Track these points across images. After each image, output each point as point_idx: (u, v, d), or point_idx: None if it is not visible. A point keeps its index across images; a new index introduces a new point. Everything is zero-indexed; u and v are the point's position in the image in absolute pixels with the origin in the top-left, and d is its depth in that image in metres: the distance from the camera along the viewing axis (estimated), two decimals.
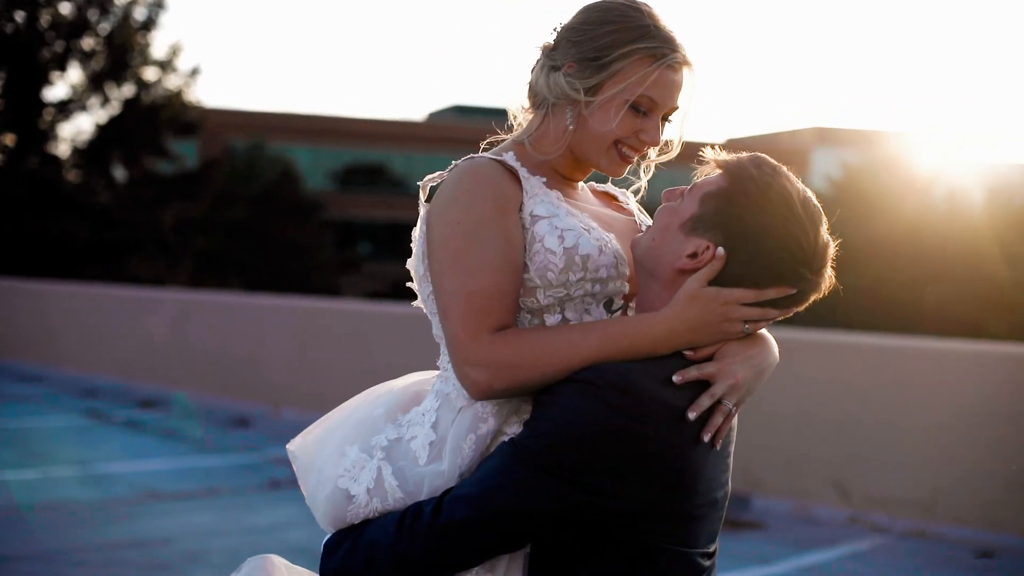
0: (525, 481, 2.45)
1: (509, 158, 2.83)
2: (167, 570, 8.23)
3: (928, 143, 60.00)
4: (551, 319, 2.69)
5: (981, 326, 42.06)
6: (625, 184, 3.06)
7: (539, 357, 2.54)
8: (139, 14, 36.93)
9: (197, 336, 17.94)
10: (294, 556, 8.08)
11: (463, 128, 75.03)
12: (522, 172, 2.77)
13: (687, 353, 2.51)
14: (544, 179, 2.80)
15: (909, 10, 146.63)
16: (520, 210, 2.72)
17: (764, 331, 2.64)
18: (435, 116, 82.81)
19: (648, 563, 2.47)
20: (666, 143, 2.89)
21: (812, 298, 2.58)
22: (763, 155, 2.67)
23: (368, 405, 2.90)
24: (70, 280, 31.93)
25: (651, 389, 2.44)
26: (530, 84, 2.91)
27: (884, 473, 9.97)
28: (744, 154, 2.69)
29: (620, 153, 2.79)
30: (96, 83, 36.62)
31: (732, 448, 2.67)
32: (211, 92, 61.80)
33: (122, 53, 36.13)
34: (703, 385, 2.50)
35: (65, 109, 36.95)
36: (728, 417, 2.49)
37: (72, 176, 36.88)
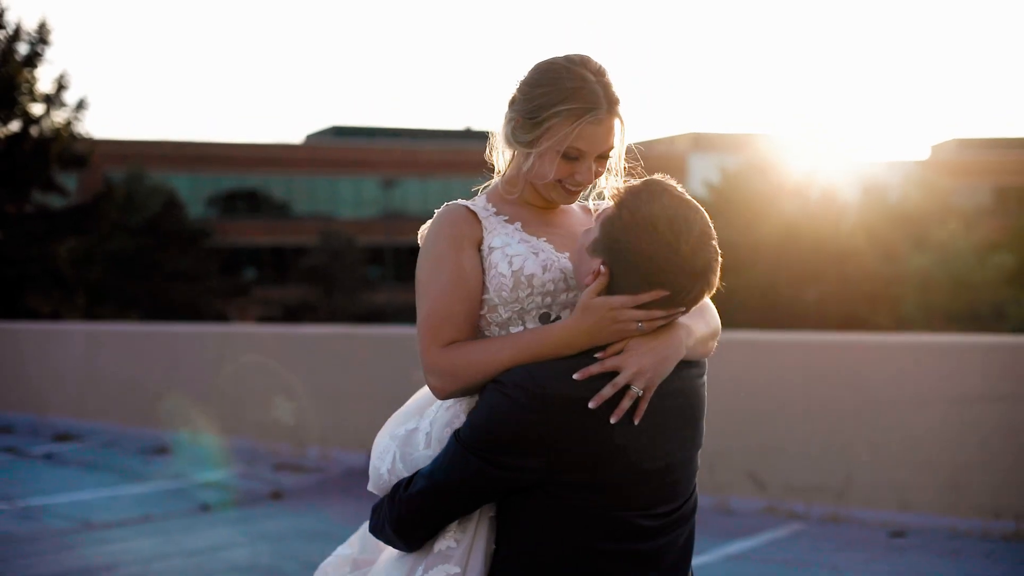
0: (457, 459, 3.01)
1: (479, 201, 3.38)
2: None
3: (802, 145, 60.85)
4: (514, 330, 3.22)
5: (865, 321, 42.90)
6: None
7: (471, 365, 3.08)
8: (23, 48, 36.68)
9: (109, 367, 18.00)
10: (239, 575, 8.41)
11: (342, 149, 74.94)
12: (483, 213, 3.30)
13: (598, 355, 2.98)
14: (506, 216, 3.32)
15: (776, 12, 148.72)
16: (481, 244, 3.25)
17: (678, 322, 3.06)
18: (313, 138, 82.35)
19: (574, 519, 2.97)
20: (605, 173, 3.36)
21: (690, 298, 2.97)
22: (656, 180, 3.07)
23: (414, 400, 3.36)
24: None
25: (551, 385, 2.92)
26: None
27: (797, 462, 10.42)
28: (641, 181, 3.09)
29: (565, 189, 3.29)
30: None
31: (693, 422, 3.13)
32: (86, 122, 61.06)
33: (7, 88, 35.84)
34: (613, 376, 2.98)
35: None
36: (643, 399, 2.95)
37: None
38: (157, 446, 15.41)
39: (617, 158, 3.32)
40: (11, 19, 36.76)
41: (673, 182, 3.06)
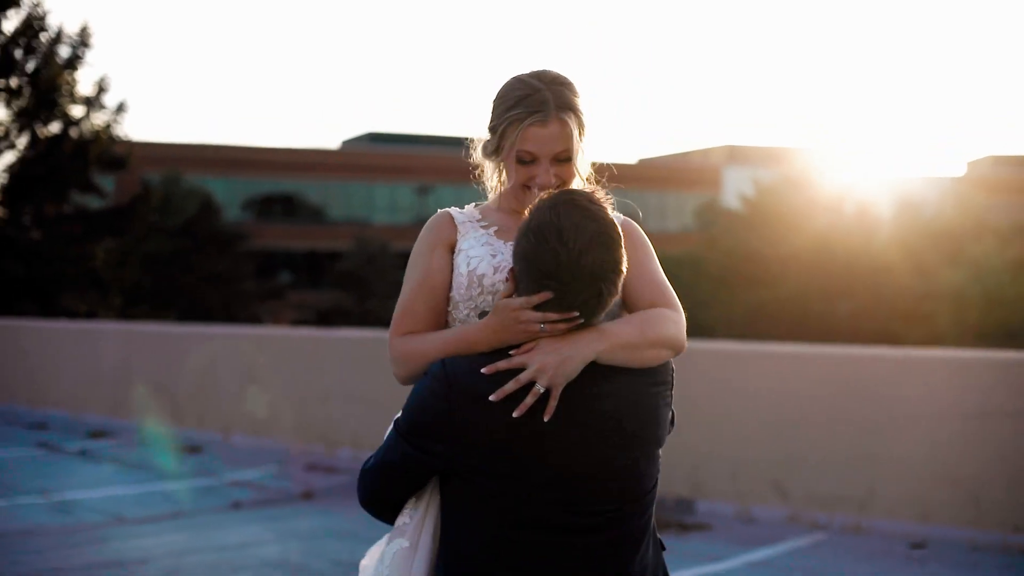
0: (392, 441, 3.24)
1: (468, 209, 3.62)
2: None
3: (837, 159, 60.75)
4: None
5: (896, 336, 42.75)
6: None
7: (412, 353, 3.33)
8: (64, 51, 37.05)
9: (144, 367, 18.22)
10: (269, 571, 8.63)
11: (378, 156, 75.09)
12: (462, 219, 3.56)
13: (512, 351, 3.13)
14: (485, 223, 3.55)
15: (814, 28, 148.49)
16: (454, 247, 3.51)
17: (597, 327, 3.15)
18: (349, 144, 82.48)
19: (489, 508, 3.10)
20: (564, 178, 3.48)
21: (579, 302, 3.06)
22: (566, 191, 3.21)
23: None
24: (9, 316, 31.89)
25: (461, 377, 3.09)
26: None
27: (820, 473, 10.55)
28: (552, 193, 3.22)
29: (533, 194, 3.42)
30: (23, 120, 36.66)
31: (633, 429, 3.15)
32: (124, 125, 61.56)
33: (48, 91, 36.19)
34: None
35: None
36: (551, 397, 3.05)
37: (1, 213, 36.82)
38: (190, 445, 15.64)
39: (576, 162, 3.42)
40: (53, 22, 37.18)
41: (590, 194, 3.18)
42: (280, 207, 73.58)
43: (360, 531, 10.53)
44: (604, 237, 3.05)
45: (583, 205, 3.08)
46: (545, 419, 3.02)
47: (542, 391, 3.02)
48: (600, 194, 3.23)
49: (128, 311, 40.00)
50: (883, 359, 10.90)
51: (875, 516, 10.17)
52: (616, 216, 3.49)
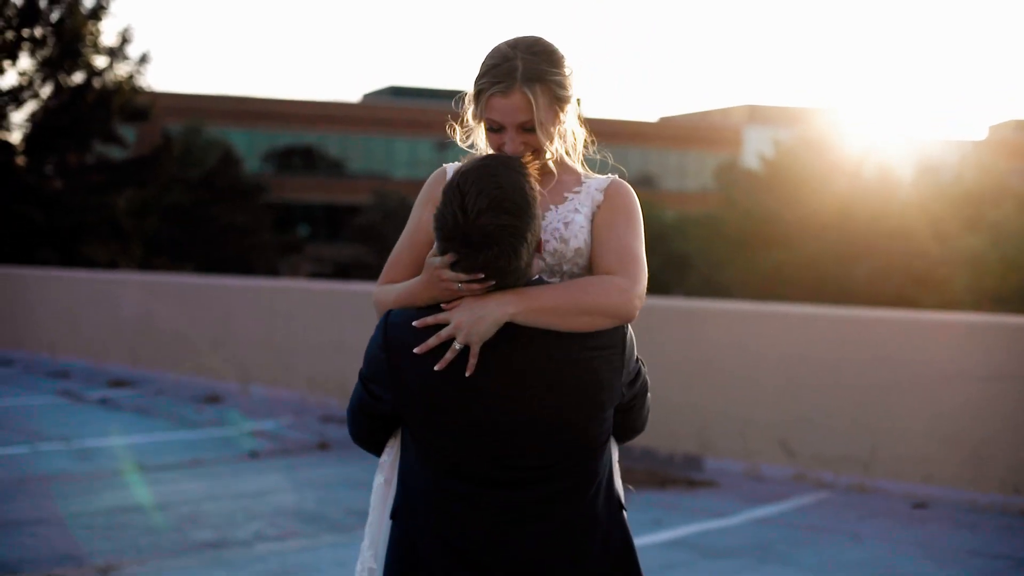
0: (356, 386, 3.40)
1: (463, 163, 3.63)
2: (170, 531, 8.86)
3: (857, 120, 60.62)
4: None
5: (912, 300, 42.75)
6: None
7: (379, 303, 3.47)
8: (88, 1, 37.19)
9: (165, 317, 18.43)
10: (285, 518, 8.87)
11: (399, 109, 75.05)
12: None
13: (443, 304, 3.25)
14: None
15: None
16: None
17: (523, 290, 3.20)
18: (370, 97, 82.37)
19: (425, 456, 3.24)
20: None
21: (478, 264, 3.12)
22: (485, 156, 3.32)
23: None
24: (31, 265, 32.12)
25: (396, 330, 3.23)
26: None
27: (826, 433, 10.74)
28: (475, 157, 3.35)
29: None
30: (47, 70, 36.83)
31: (563, 389, 3.19)
32: (147, 76, 61.62)
33: (72, 41, 36.33)
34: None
35: (17, 97, 37.16)
36: (471, 353, 3.14)
37: (24, 162, 37.03)
38: (209, 395, 15.89)
39: (543, 131, 3.45)
40: None
41: (512, 159, 3.27)
42: (300, 160, 73.64)
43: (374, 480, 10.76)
44: (505, 202, 3.09)
45: (492, 170, 3.15)
46: (466, 375, 3.13)
47: (459, 348, 3.13)
48: (532, 161, 3.34)
49: (148, 261, 40.25)
50: (889, 321, 11.07)
51: (879, 476, 10.37)
52: (603, 178, 3.57)
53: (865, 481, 10.39)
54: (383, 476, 3.50)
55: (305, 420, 14.05)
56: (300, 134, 72.83)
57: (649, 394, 3.52)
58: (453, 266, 3.15)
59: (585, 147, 3.66)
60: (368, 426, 3.42)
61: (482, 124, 3.52)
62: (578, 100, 3.61)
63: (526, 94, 3.39)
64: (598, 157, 3.69)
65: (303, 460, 11.85)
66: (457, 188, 3.13)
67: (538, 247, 3.23)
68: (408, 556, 3.29)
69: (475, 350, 3.12)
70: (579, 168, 3.65)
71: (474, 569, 3.20)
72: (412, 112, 74.56)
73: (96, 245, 36.52)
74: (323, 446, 12.51)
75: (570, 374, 3.17)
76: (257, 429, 13.49)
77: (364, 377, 3.35)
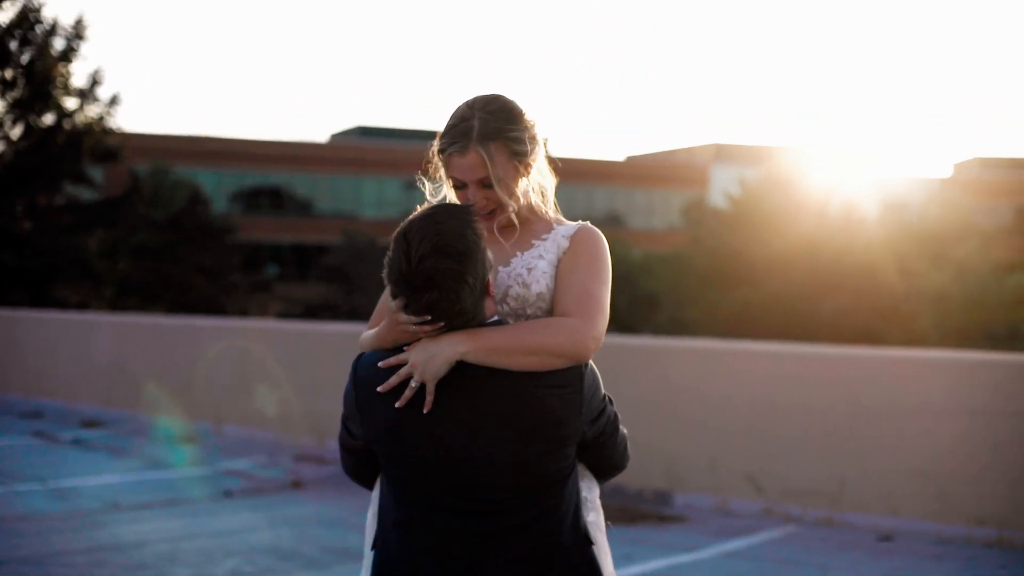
0: (341, 424, 3.59)
1: None
2: (148, 569, 8.98)
3: (823, 159, 61.03)
4: None
5: (878, 336, 43.05)
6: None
7: (361, 345, 3.64)
8: (59, 44, 37.30)
9: (137, 358, 18.54)
10: (262, 556, 8.99)
11: (366, 149, 75.30)
12: None
13: (404, 347, 3.45)
14: None
15: (802, 27, 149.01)
16: None
17: (474, 331, 3.36)
18: (337, 137, 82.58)
19: (398, 488, 3.43)
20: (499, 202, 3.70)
21: (423, 306, 3.31)
22: (434, 206, 3.51)
23: None
24: (3, 306, 32.10)
25: (363, 369, 3.45)
26: None
27: (794, 468, 10.93)
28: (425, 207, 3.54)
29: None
30: (17, 112, 36.92)
31: (519, 425, 3.33)
32: (117, 117, 61.69)
33: (43, 83, 36.45)
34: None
35: None
36: (428, 391, 3.32)
37: None
38: (182, 435, 15.98)
39: (501, 186, 3.61)
40: (48, 14, 37.39)
41: (459, 207, 3.44)
42: (267, 200, 73.73)
43: (349, 518, 10.89)
44: (445, 248, 3.26)
45: (435, 218, 3.34)
46: (424, 411, 3.32)
47: (415, 386, 3.31)
48: (480, 208, 3.56)
49: (119, 302, 40.28)
50: (854, 358, 11.29)
51: (846, 509, 10.56)
52: (572, 225, 3.72)
53: (833, 515, 10.57)
54: (372, 510, 3.71)
55: (279, 459, 14.17)
56: (267, 174, 72.93)
57: (624, 431, 3.65)
58: (405, 309, 3.34)
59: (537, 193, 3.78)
60: (352, 461, 3.64)
61: (449, 180, 3.69)
62: (544, 142, 3.76)
63: (480, 153, 3.55)
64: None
65: (278, 499, 11.97)
66: (403, 235, 3.33)
67: (486, 289, 3.37)
68: None
69: (430, 387, 3.30)
70: (551, 214, 3.79)
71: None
72: (380, 152, 74.79)
73: (67, 286, 36.57)
74: (296, 485, 12.64)
75: (525, 412, 3.31)
76: (232, 468, 13.60)
77: (343, 415, 3.55)
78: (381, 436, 3.40)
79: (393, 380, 3.34)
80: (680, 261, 52.24)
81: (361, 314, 58.77)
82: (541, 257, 3.63)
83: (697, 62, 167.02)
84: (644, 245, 63.50)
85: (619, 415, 3.63)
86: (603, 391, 3.51)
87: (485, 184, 3.59)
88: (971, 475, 10.06)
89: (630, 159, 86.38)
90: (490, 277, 3.38)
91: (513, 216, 3.67)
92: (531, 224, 3.73)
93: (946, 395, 10.31)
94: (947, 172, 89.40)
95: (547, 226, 3.74)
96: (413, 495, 3.39)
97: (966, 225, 54.12)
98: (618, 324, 46.17)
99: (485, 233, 3.40)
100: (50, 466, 13.72)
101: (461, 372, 3.32)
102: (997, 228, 62.62)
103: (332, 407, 14.91)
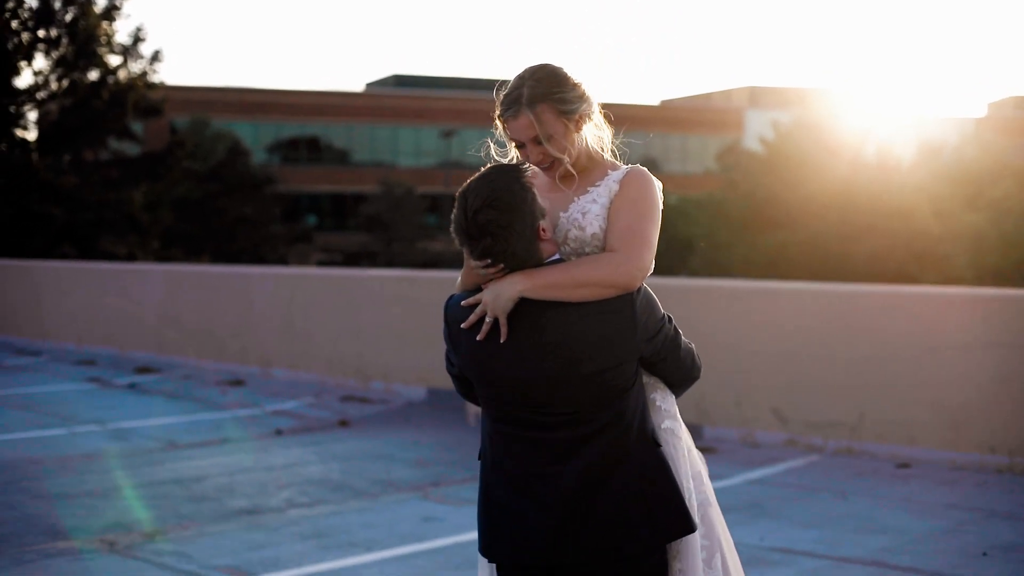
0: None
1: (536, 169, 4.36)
2: (208, 500, 9.60)
3: (857, 101, 60.98)
4: None
5: (913, 278, 43.17)
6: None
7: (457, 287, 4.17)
8: (102, 1, 37.80)
9: (188, 306, 19.13)
10: (314, 487, 9.64)
11: (403, 98, 75.50)
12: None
13: (482, 286, 4.06)
14: (533, 179, 4.27)
15: None
16: None
17: (531, 271, 3.90)
18: (373, 87, 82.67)
19: (486, 407, 4.04)
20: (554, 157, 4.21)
21: (479, 252, 3.89)
22: (493, 165, 4.05)
23: None
24: (53, 259, 32.75)
25: (450, 310, 4.01)
26: None
27: (817, 401, 11.47)
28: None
29: (542, 169, 4.25)
30: (62, 70, 37.51)
31: (568, 350, 3.87)
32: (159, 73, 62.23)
33: (86, 41, 36.99)
34: None
35: (33, 96, 37.85)
36: (500, 324, 3.89)
37: (40, 160, 37.67)
38: (232, 378, 16.63)
39: (553, 142, 4.09)
40: None
41: (513, 167, 3.99)
42: (305, 150, 74.09)
43: (394, 453, 11.52)
44: (495, 201, 3.83)
45: (488, 177, 3.92)
46: (501, 341, 3.89)
47: (489, 321, 3.89)
48: (531, 169, 4.09)
49: (164, 254, 40.95)
50: (873, 295, 11.80)
51: (866, 440, 11.10)
52: (623, 169, 4.17)
53: (853, 444, 11.12)
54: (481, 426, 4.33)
55: (325, 400, 14.78)
56: (305, 124, 73.26)
57: (690, 345, 4.17)
58: (471, 256, 3.95)
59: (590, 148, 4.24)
60: (459, 385, 4.22)
61: (511, 141, 4.22)
62: (599, 105, 4.22)
63: (528, 116, 4.07)
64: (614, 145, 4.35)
65: (326, 436, 12.58)
66: (463, 194, 3.93)
67: (537, 234, 3.90)
68: (484, 488, 4.06)
69: (502, 320, 3.86)
70: (608, 160, 4.27)
71: (528, 496, 3.91)
72: (416, 101, 75.03)
73: (114, 239, 37.26)
74: (344, 423, 13.24)
75: (583, 336, 3.83)
76: (281, 409, 14.22)
77: (446, 348, 4.14)
78: (468, 363, 3.99)
79: (472, 317, 3.91)
80: (716, 205, 52.46)
81: (399, 262, 59.32)
82: (595, 201, 4.10)
83: (730, 3, 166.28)
84: (680, 189, 63.68)
85: (680, 332, 4.13)
86: (661, 312, 4.03)
87: (538, 142, 4.07)
88: (984, 406, 10.58)
89: (665, 103, 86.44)
90: (543, 224, 3.91)
91: (569, 167, 4.15)
92: (589, 172, 4.21)
93: (961, 330, 10.81)
94: (982, 111, 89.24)
95: (603, 172, 4.20)
96: (498, 412, 3.96)
97: (1001, 165, 53.90)
98: (655, 267, 46.12)
99: (533, 186, 3.95)
100: (107, 409, 14.37)
101: (528, 306, 3.86)
102: None
103: (375, 350, 15.55)
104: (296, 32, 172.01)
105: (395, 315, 15.51)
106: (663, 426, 4.06)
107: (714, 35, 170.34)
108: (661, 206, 4.13)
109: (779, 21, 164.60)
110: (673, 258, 50.04)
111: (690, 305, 12.54)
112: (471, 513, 8.77)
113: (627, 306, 3.89)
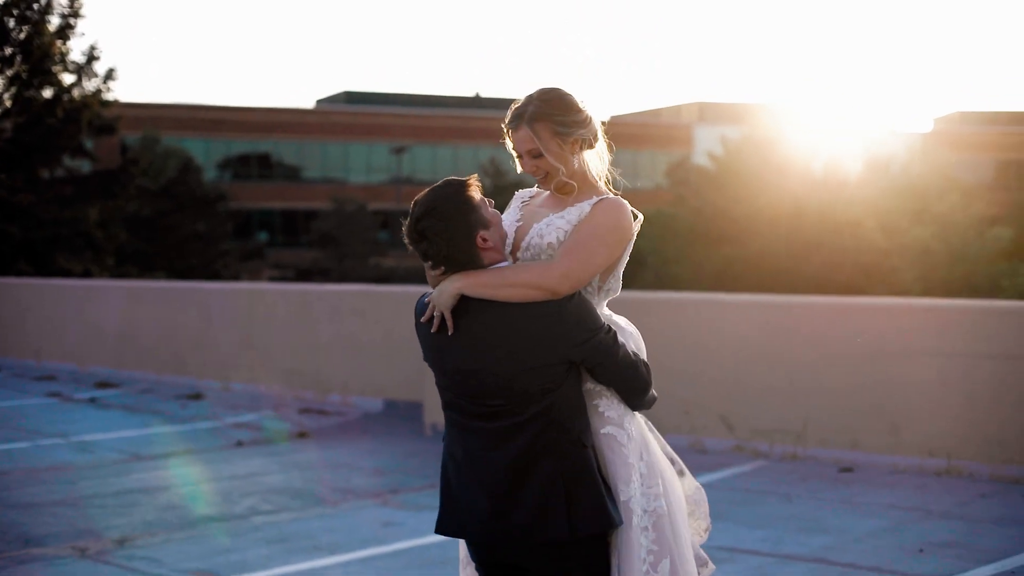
0: None
1: (537, 188, 4.76)
2: (175, 508, 9.92)
3: (804, 116, 61.50)
4: None
5: (862, 291, 43.60)
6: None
7: None
8: (55, 20, 37.82)
9: (147, 322, 19.35)
10: (276, 495, 9.90)
11: (353, 115, 75.67)
12: (520, 195, 4.75)
13: None
14: (534, 196, 4.70)
15: None
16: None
17: (468, 272, 4.25)
18: (324, 103, 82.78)
19: (442, 397, 4.42)
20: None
21: (419, 253, 4.29)
22: (449, 179, 4.40)
23: None
24: (10, 276, 32.76)
25: (418, 305, 4.40)
26: None
27: (763, 409, 11.87)
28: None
29: (536, 180, 4.67)
30: (16, 88, 37.55)
31: (508, 344, 4.23)
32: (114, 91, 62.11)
33: (40, 59, 37.07)
34: None
35: None
36: (446, 318, 4.23)
37: None
38: (191, 392, 16.90)
39: (549, 158, 4.48)
40: None
41: (462, 180, 4.33)
42: (256, 167, 74.07)
43: (353, 462, 11.85)
44: (434, 210, 4.25)
45: (436, 189, 4.33)
46: (449, 334, 4.28)
47: (436, 316, 4.28)
48: (477, 183, 4.41)
49: (119, 271, 41.01)
50: (815, 306, 12.24)
51: (810, 445, 11.51)
52: (601, 197, 4.51)
53: (798, 450, 11.53)
54: None
55: (285, 412, 15.08)
56: (256, 141, 73.24)
57: (636, 361, 4.44)
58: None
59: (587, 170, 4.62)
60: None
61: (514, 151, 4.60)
62: (592, 136, 4.60)
63: (528, 131, 4.47)
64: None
65: (286, 447, 12.89)
66: (413, 202, 4.35)
67: (476, 242, 4.26)
68: (442, 468, 4.47)
69: (447, 315, 4.25)
70: (602, 189, 4.63)
71: (470, 477, 4.30)
72: (367, 117, 75.14)
73: (70, 256, 37.33)
74: (303, 435, 13.55)
75: (513, 335, 4.19)
76: (240, 421, 14.51)
77: None
78: (426, 354, 4.39)
79: (428, 313, 4.31)
80: (665, 220, 52.86)
81: (351, 276, 59.49)
82: (563, 218, 4.47)
83: (678, 20, 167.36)
84: (631, 205, 64.13)
85: (626, 347, 4.42)
86: (596, 323, 4.32)
87: (534, 155, 4.49)
88: (923, 410, 11.01)
89: (614, 119, 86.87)
90: (483, 233, 4.27)
91: (564, 178, 4.52)
92: (580, 193, 4.58)
93: (899, 337, 11.24)
94: (928, 126, 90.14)
95: (589, 195, 4.58)
96: (448, 399, 4.36)
97: (947, 180, 54.52)
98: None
99: (476, 200, 4.31)
100: (70, 423, 14.61)
101: (470, 304, 4.22)
102: (978, 182, 63.29)
103: (332, 363, 15.86)
104: (246, 48, 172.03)
105: (352, 329, 15.82)
106: (603, 431, 4.36)
107: (663, 51, 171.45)
108: (626, 235, 4.49)
109: (727, 37, 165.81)
110: (624, 273, 50.41)
111: (639, 317, 12.83)
112: (429, 518, 9.11)
113: (557, 311, 4.21)
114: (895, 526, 9.00)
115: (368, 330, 15.52)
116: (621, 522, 4.28)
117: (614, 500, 4.30)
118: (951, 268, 47.81)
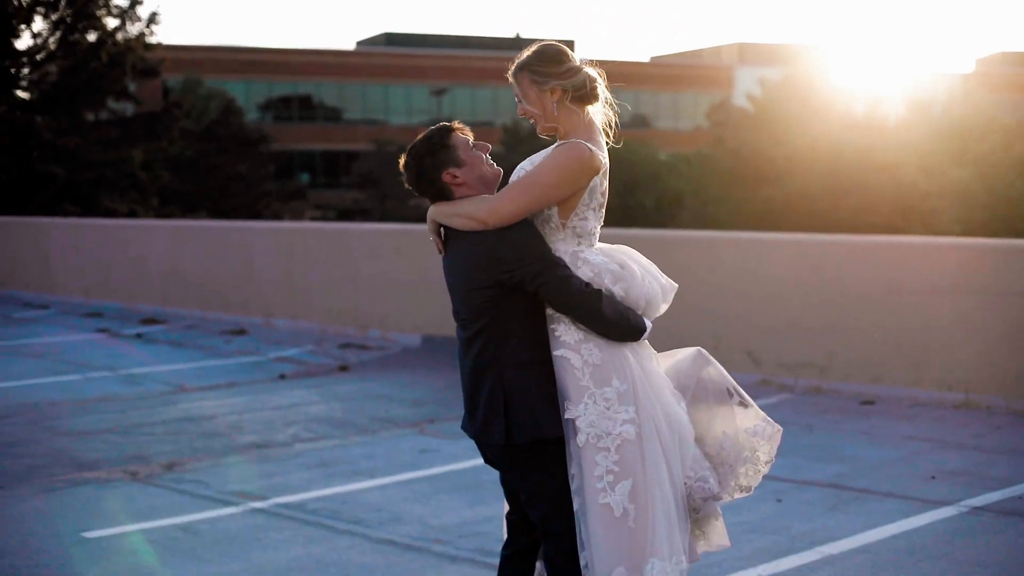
0: None
1: None
2: (220, 436, 10.35)
3: (845, 57, 61.25)
4: None
5: (900, 232, 43.56)
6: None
7: None
8: None
9: (192, 260, 19.86)
10: (318, 424, 10.36)
11: (393, 56, 75.83)
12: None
13: None
14: None
15: None
16: None
17: (441, 203, 4.77)
18: (364, 45, 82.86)
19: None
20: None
21: (415, 191, 4.82)
22: (435, 126, 4.89)
23: None
24: (58, 216, 33.29)
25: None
26: None
27: (788, 343, 12.22)
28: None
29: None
30: (61, 32, 38.00)
31: (467, 266, 4.69)
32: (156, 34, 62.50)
33: (84, 3, 37.48)
34: None
35: (33, 58, 38.41)
36: (434, 241, 4.81)
37: (42, 120, 38.19)
38: (234, 328, 17.35)
39: (528, 103, 4.87)
40: None
41: (447, 127, 4.80)
42: (297, 108, 74.34)
43: (392, 394, 12.26)
44: (414, 151, 4.78)
45: (424, 135, 4.83)
46: (441, 254, 4.86)
47: (431, 238, 4.85)
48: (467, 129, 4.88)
49: (163, 212, 41.53)
50: (842, 244, 12.55)
51: (833, 379, 11.87)
52: (561, 143, 4.81)
53: (821, 384, 11.88)
54: None
55: (325, 348, 15.51)
56: (297, 83, 73.43)
57: (583, 290, 4.69)
58: None
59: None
60: None
61: None
62: (575, 87, 4.86)
63: (512, 79, 4.92)
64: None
65: (327, 380, 13.32)
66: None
67: (445, 176, 4.71)
68: None
69: (433, 237, 4.84)
70: (592, 135, 4.86)
71: (461, 373, 4.86)
72: (407, 59, 75.25)
73: (115, 198, 37.86)
74: (343, 368, 13.98)
75: (462, 258, 4.71)
76: (283, 355, 14.96)
77: None
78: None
79: (435, 236, 4.86)
80: (705, 161, 52.96)
81: (392, 217, 59.78)
82: (532, 162, 4.87)
83: None
84: (670, 146, 64.22)
85: (574, 281, 4.69)
86: (537, 255, 4.63)
87: (520, 100, 4.93)
88: (943, 346, 11.34)
89: (655, 60, 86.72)
90: (453, 170, 4.72)
91: (543, 123, 4.87)
92: (565, 139, 4.89)
93: (921, 276, 11.55)
94: (970, 67, 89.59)
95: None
96: (454, 308, 4.84)
97: (988, 121, 54.14)
98: (647, 222, 47.10)
99: (458, 141, 4.76)
100: (117, 357, 15.10)
101: (453, 231, 4.73)
102: (1019, 123, 62.91)
103: (372, 300, 16.27)
104: None
105: (391, 266, 16.20)
106: (556, 353, 4.72)
107: None
108: (574, 175, 4.72)
109: None
110: (662, 214, 50.60)
111: (667, 255, 13.25)
112: (464, 446, 9.55)
113: (494, 240, 4.65)
114: (910, 455, 9.35)
115: (406, 268, 15.89)
116: (558, 435, 4.66)
117: (558, 416, 4.68)
118: (992, 209, 47.56)
